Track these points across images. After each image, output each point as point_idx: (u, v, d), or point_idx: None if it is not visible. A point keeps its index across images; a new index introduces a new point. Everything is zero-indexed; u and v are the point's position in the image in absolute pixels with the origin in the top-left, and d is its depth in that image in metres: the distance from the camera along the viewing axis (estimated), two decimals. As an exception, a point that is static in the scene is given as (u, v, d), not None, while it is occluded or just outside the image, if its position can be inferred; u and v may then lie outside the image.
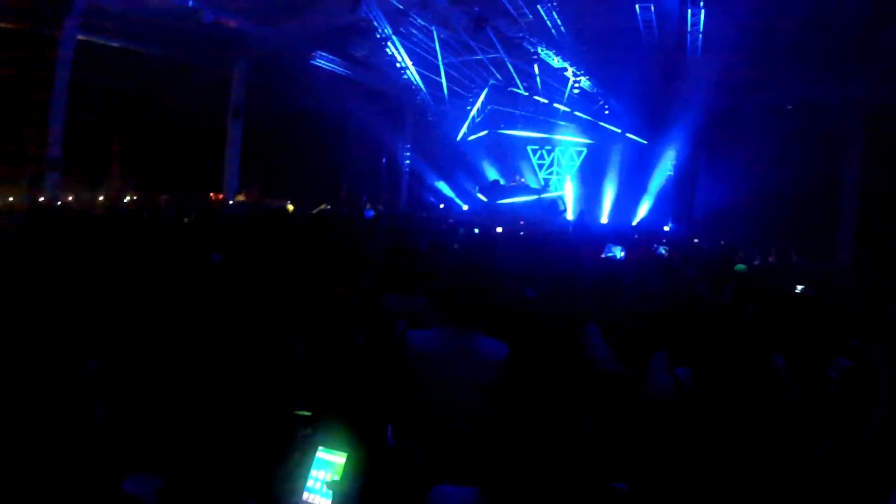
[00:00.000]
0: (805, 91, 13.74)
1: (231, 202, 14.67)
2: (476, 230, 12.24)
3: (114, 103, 14.30)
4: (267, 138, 16.49)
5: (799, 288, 7.88)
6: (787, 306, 5.59)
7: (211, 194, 14.97)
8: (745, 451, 2.73)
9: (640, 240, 13.19)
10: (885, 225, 12.46)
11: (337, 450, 1.68)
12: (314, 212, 13.78)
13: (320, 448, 1.66)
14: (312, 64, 16.46)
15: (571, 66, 17.01)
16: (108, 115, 14.29)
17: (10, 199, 9.73)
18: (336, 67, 17.22)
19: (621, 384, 3.97)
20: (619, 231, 14.04)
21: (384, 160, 21.12)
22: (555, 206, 19.91)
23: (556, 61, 16.87)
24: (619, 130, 18.85)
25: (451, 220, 14.51)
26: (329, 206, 14.52)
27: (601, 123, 19.16)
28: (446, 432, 2.98)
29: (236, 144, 15.75)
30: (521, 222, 15.25)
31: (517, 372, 3.33)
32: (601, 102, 18.65)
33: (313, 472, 1.64)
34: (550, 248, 9.82)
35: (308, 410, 1.48)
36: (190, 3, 12.65)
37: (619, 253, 10.61)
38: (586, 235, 12.89)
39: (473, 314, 3.24)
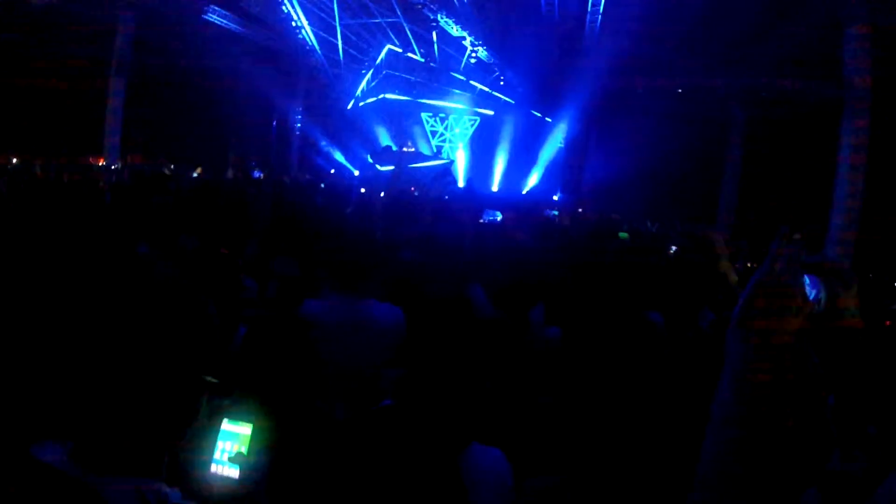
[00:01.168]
0: (694, 77, 14.66)
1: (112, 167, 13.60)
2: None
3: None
4: (152, 97, 15.35)
5: (673, 249, 8.59)
6: (664, 267, 6.17)
7: (90, 158, 13.80)
8: (623, 398, 3.03)
9: (529, 204, 13.70)
10: (762, 202, 13.77)
11: (242, 420, 1.64)
12: (194, 175, 13.09)
13: (226, 419, 1.63)
14: (203, 18, 15.43)
15: (470, 35, 17.11)
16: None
17: None
18: (228, 23, 16.26)
19: (506, 334, 4.23)
20: (508, 198, 14.46)
21: (275, 123, 20.33)
22: (446, 173, 20.09)
23: (455, 30, 16.91)
24: (513, 102, 19.24)
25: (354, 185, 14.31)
26: (202, 170, 13.75)
27: (496, 94, 19.48)
28: (346, 399, 2.92)
29: (118, 103, 14.54)
30: (413, 189, 15.29)
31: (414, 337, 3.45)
32: (497, 73, 18.91)
33: (220, 444, 1.60)
34: (435, 212, 9.95)
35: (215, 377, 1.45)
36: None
37: (498, 216, 11.08)
38: (472, 202, 13.17)
39: (361, 278, 3.17)
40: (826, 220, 12.06)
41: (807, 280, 1.68)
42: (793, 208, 12.15)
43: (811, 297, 1.70)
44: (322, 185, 13.69)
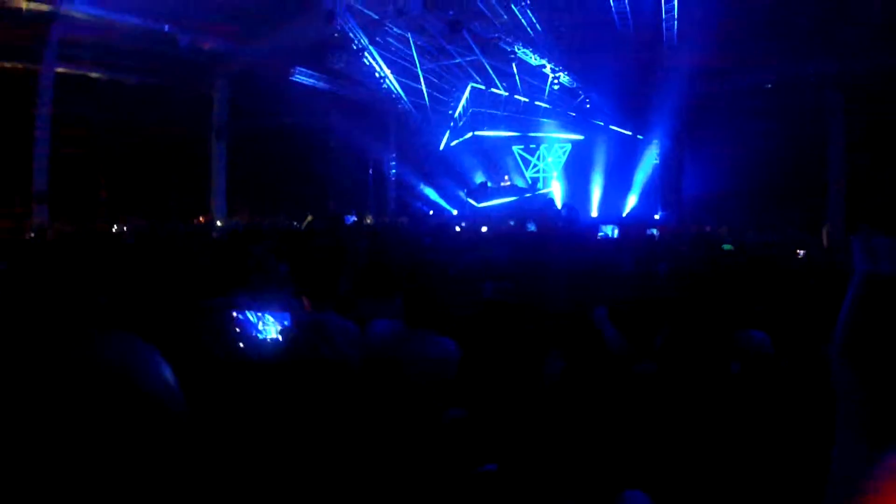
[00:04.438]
0: (781, 68, 13.87)
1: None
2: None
3: (96, 133, 14.23)
4: (252, 157, 16.46)
5: (801, 253, 7.98)
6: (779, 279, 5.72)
7: (200, 217, 14.93)
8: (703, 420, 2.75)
9: (632, 223, 13.36)
10: (874, 193, 12.59)
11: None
12: (302, 225, 13.76)
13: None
14: (292, 79, 16.47)
15: (549, 62, 17.09)
16: (91, 145, 14.23)
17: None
18: (316, 81, 17.24)
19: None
20: (605, 220, 14.17)
21: (370, 170, 21.13)
22: (551, 203, 19.95)
23: (533, 59, 16.96)
24: (603, 123, 18.91)
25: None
26: (313, 217, 14.45)
27: (584, 118, 19.24)
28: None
29: (221, 165, 15.70)
30: (512, 222, 15.25)
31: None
32: (582, 97, 18.72)
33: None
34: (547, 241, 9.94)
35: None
36: (165, 28, 12.66)
37: (611, 232, 10.85)
38: (583, 222, 13.08)
39: (427, 314, 3.25)
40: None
41: None
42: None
43: None
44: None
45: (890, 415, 0.99)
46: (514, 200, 20.19)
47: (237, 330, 3.49)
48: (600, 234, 11.26)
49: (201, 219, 14.44)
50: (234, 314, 3.49)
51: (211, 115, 15.57)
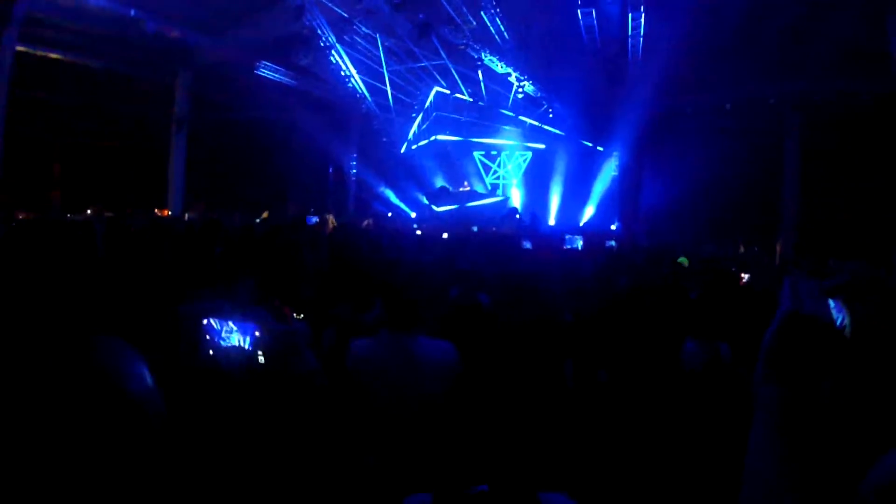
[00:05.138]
0: (742, 89, 14.33)
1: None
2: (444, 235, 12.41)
3: (53, 117, 13.70)
4: (211, 151, 16.12)
5: (745, 277, 8.26)
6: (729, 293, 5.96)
7: (156, 210, 14.54)
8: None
9: (593, 233, 13.59)
10: (827, 212, 13.13)
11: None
12: (258, 221, 13.55)
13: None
14: (256, 74, 16.21)
15: (515, 71, 17.27)
16: (48, 128, 13.70)
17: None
18: (280, 77, 17.00)
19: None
20: (570, 230, 14.38)
21: (331, 170, 20.93)
22: (513, 211, 20.13)
23: (499, 67, 17.10)
24: (564, 134, 19.19)
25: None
26: (268, 215, 14.25)
27: (546, 127, 19.48)
28: (399, 440, 2.93)
29: (180, 157, 15.32)
30: (475, 228, 15.33)
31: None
32: (545, 107, 18.95)
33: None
34: (513, 248, 10.02)
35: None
36: (132, 13, 12.29)
37: (579, 243, 11.01)
38: (553, 233, 13.25)
39: (412, 317, 3.17)
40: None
41: (832, 304, 1.53)
42: (860, 217, 11.51)
43: (839, 324, 1.56)
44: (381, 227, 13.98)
45: (799, 423, 1.21)
46: (474, 206, 20.29)
47: (209, 338, 3.40)
48: (567, 245, 11.40)
49: (166, 212, 14.08)
50: (208, 321, 3.40)
51: (173, 106, 15.17)
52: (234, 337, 3.41)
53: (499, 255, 7.92)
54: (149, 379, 1.14)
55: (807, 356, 1.25)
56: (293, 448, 3.07)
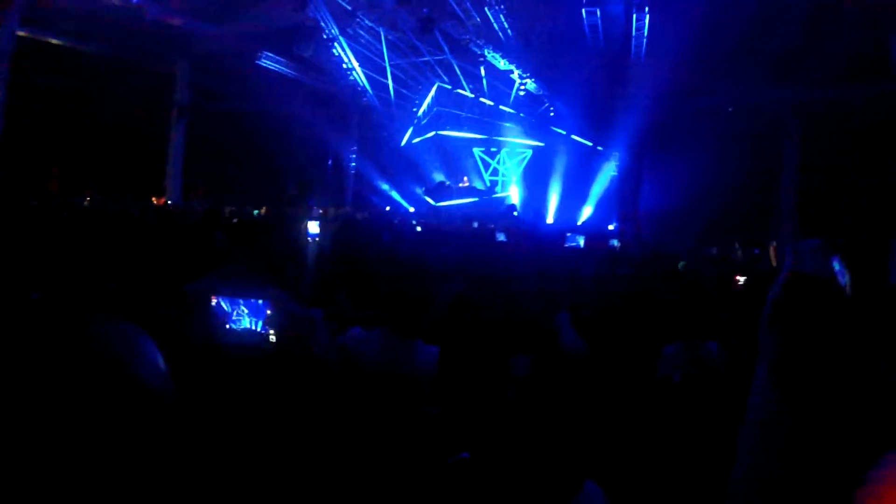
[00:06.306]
0: (744, 94, 14.35)
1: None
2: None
3: (53, 102, 13.60)
4: (210, 140, 16.03)
5: (741, 279, 8.28)
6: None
7: (153, 197, 14.46)
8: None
9: (594, 233, 13.61)
10: (824, 217, 13.18)
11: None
12: (256, 213, 13.48)
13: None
14: (258, 64, 16.13)
15: (517, 68, 17.24)
16: (48, 114, 13.59)
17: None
18: (282, 68, 16.93)
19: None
20: (571, 228, 14.37)
21: (330, 162, 20.86)
22: (511, 208, 20.13)
23: (502, 64, 17.07)
24: (564, 132, 19.17)
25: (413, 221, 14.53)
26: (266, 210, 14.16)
27: (546, 125, 19.47)
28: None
29: (179, 145, 15.24)
30: (475, 224, 15.31)
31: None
32: (546, 105, 18.95)
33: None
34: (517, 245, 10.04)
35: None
36: (133, 1, 12.20)
37: (581, 241, 11.01)
38: (553, 230, 13.27)
39: (416, 323, 3.18)
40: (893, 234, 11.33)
41: (836, 266, 1.60)
42: (856, 222, 11.55)
43: (843, 283, 1.62)
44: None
45: (796, 370, 1.29)
46: (473, 202, 20.29)
47: (220, 320, 3.39)
48: (569, 243, 11.40)
49: (163, 200, 14.01)
50: (217, 301, 3.38)
51: (173, 94, 15.07)
52: (246, 320, 3.40)
53: (472, 250, 7.91)
54: (161, 362, 1.13)
55: (809, 310, 1.33)
56: (304, 429, 3.07)
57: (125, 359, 1.03)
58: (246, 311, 3.36)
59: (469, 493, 1.78)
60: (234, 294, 3.37)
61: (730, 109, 14.62)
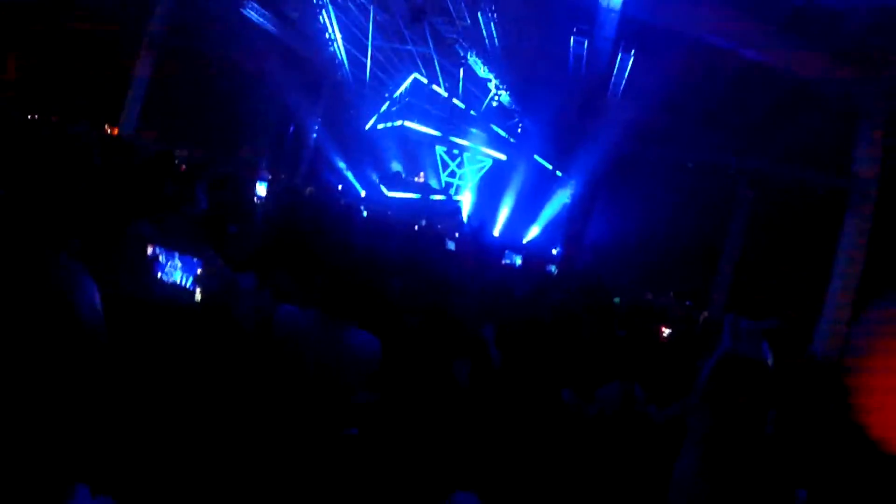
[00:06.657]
0: (706, 154, 14.87)
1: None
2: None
3: (13, 9, 12.80)
4: (176, 78, 15.47)
5: (666, 331, 8.58)
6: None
7: (106, 126, 13.86)
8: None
9: (534, 255, 13.80)
10: (757, 284, 13.80)
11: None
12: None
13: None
14: (242, 13, 15.68)
15: (496, 78, 17.37)
16: (6, 21, 12.79)
17: None
18: (265, 23, 16.50)
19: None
20: (511, 246, 14.52)
21: (291, 129, 20.47)
22: (458, 212, 20.25)
23: (482, 70, 17.16)
24: (528, 151, 19.42)
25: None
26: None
27: (511, 140, 19.68)
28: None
29: (144, 78, 14.64)
30: (423, 221, 15.34)
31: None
32: (516, 120, 19.15)
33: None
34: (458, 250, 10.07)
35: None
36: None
37: (517, 260, 11.15)
38: (494, 244, 13.38)
39: (352, 308, 3.10)
40: (818, 311, 11.96)
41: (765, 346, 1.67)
42: (786, 295, 12.15)
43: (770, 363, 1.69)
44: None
45: (723, 443, 1.35)
46: (422, 199, 20.29)
47: (153, 269, 3.33)
48: (506, 260, 11.54)
49: (115, 130, 13.43)
50: (153, 250, 3.32)
51: (147, 24, 14.46)
52: (177, 274, 3.34)
53: (420, 251, 7.95)
54: (98, 305, 1.12)
55: (740, 392, 1.37)
56: (211, 388, 3.03)
57: (69, 296, 1.02)
58: (179, 264, 3.30)
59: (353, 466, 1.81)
60: (171, 246, 3.31)
61: (690, 165, 15.12)
